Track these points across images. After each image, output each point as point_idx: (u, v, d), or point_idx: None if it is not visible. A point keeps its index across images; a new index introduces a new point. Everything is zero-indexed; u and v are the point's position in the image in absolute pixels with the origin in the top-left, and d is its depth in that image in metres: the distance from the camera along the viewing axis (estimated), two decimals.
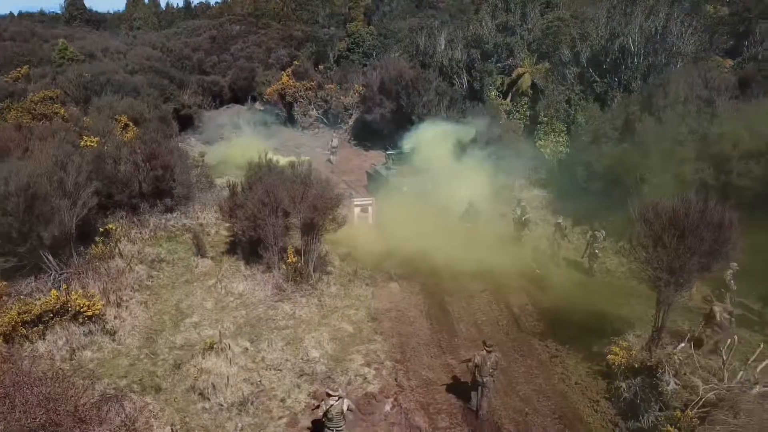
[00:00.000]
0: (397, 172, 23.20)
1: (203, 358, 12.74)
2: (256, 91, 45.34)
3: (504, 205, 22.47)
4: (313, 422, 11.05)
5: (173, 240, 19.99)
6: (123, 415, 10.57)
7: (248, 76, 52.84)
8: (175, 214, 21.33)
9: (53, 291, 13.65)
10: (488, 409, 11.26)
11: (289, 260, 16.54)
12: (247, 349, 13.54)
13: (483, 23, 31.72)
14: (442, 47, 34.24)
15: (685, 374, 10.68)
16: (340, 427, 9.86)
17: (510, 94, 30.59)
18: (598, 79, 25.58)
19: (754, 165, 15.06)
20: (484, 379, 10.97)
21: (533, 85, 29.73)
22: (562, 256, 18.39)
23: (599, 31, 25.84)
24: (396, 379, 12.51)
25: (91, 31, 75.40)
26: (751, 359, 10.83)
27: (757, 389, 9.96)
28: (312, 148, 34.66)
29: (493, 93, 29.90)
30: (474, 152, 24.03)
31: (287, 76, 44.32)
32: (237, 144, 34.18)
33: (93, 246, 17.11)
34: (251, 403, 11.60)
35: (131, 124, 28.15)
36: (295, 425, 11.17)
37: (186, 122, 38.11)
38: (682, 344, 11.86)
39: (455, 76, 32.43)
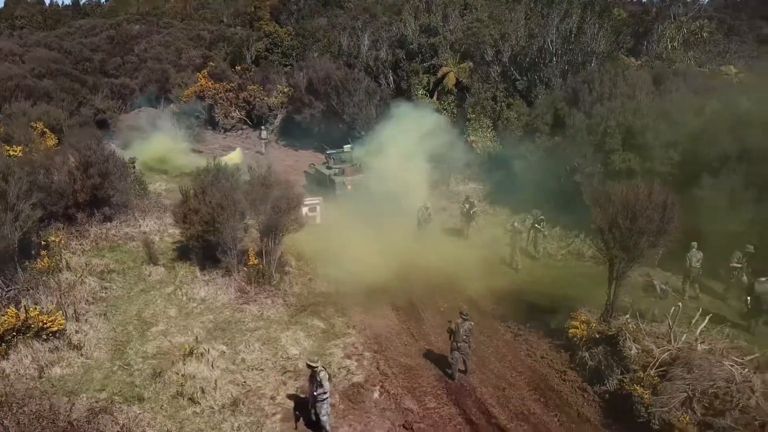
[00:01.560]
0: (340, 172, 23.63)
1: (184, 364, 12.70)
2: (173, 94, 43.88)
3: (443, 200, 23.61)
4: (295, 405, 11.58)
5: (117, 249, 19.35)
6: (118, 427, 10.43)
7: (160, 78, 50.93)
8: (114, 223, 20.64)
9: (11, 309, 13.02)
10: (469, 368, 12.73)
11: (251, 262, 16.63)
12: (224, 352, 13.57)
13: (407, 24, 32.74)
14: (367, 47, 34.93)
15: (641, 340, 11.99)
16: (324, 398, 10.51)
17: (436, 93, 31.80)
18: (519, 77, 27.25)
19: (673, 152, 16.93)
20: (459, 344, 12.33)
21: (458, 83, 31.11)
22: (542, 246, 19.17)
23: (518, 32, 27.50)
24: (378, 368, 13.06)
25: None
26: (693, 322, 12.33)
27: (702, 347, 11.41)
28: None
29: (421, 92, 30.98)
30: (411, 149, 24.93)
31: (204, 77, 43.38)
32: (158, 148, 33.20)
33: (38, 260, 16.34)
34: (242, 403, 11.75)
35: (48, 131, 26.75)
36: (289, 420, 11.46)
37: (101, 127, 36.41)
38: (626, 316, 13.31)
39: (381, 76, 33.25)
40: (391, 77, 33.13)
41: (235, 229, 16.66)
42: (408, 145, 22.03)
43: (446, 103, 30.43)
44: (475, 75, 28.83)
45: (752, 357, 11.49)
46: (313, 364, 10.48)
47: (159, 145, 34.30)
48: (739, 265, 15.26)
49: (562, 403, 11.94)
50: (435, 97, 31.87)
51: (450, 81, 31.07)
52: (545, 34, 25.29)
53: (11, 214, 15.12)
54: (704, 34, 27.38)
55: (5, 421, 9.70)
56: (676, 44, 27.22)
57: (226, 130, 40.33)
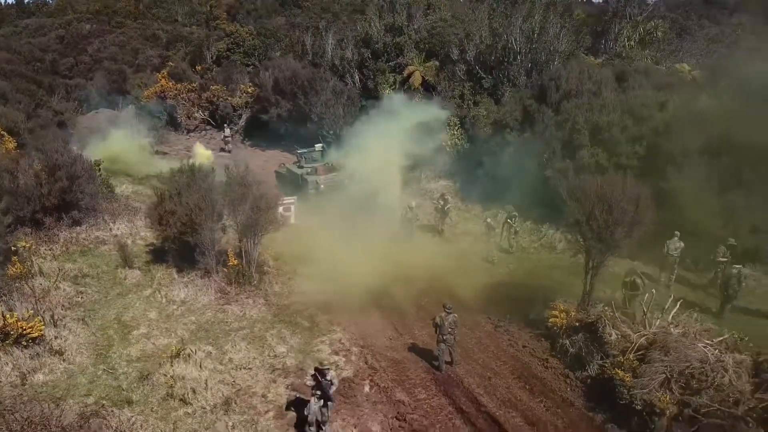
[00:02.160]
0: (312, 171, 23.68)
1: (172, 366, 12.62)
2: (133, 94, 42.93)
3: (417, 197, 23.95)
4: (294, 403, 11.62)
5: (88, 254, 18.98)
6: (112, 430, 10.33)
7: (117, 78, 49.74)
8: (84, 227, 20.20)
9: None
10: (455, 359, 13.08)
11: (231, 263, 16.59)
12: (211, 352, 13.51)
13: (372, 23, 32.95)
14: (332, 47, 35.00)
15: (619, 326, 12.55)
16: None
17: (402, 91, 32.10)
18: (484, 76, 27.82)
19: (638, 147, 17.69)
20: (445, 337, 12.69)
21: (424, 82, 31.51)
22: (516, 241, 19.58)
23: (482, 31, 28.05)
24: (366, 362, 13.27)
25: None
26: (665, 308, 12.95)
27: (677, 330, 12.03)
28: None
29: (388, 91, 31.25)
30: (382, 147, 25.20)
31: (164, 77, 42.62)
32: (119, 150, 32.45)
33: (8, 266, 15.90)
34: (235, 402, 11.78)
35: (6, 134, 25.94)
36: (282, 417, 11.55)
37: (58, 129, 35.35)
38: (602, 304, 13.90)
39: (348, 75, 33.38)
40: (357, 76, 33.28)
41: (213, 230, 16.60)
42: (393, 142, 22.20)
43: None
44: (442, 74, 29.25)
45: (721, 339, 12.16)
46: (325, 369, 10.42)
47: (120, 146, 33.57)
48: (725, 259, 15.88)
49: (546, 390, 12.40)
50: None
51: (416, 80, 31.46)
52: (509, 33, 25.85)
53: None
54: (659, 34, 28.56)
55: None
56: (632, 43, 28.29)
57: (189, 131, 39.73)
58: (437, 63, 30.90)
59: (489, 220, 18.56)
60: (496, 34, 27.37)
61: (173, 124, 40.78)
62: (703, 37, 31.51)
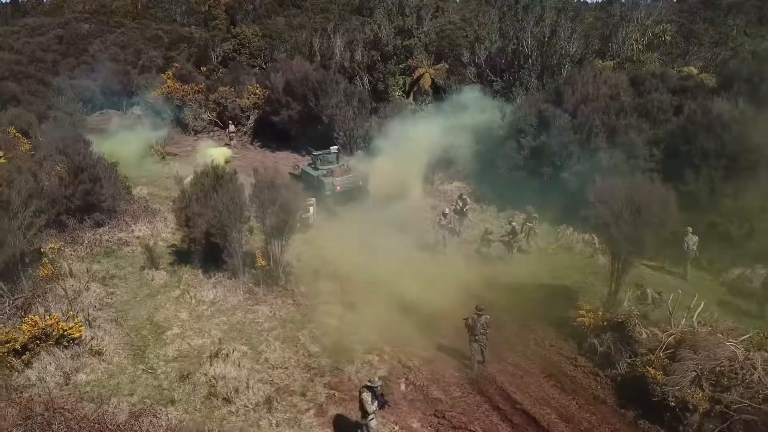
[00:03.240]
0: (328, 172, 23.93)
1: (211, 366, 12.91)
2: (138, 95, 43.05)
3: (431, 199, 24.33)
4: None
5: (112, 255, 19.21)
6: (162, 428, 10.61)
7: (122, 79, 49.88)
8: (106, 228, 20.45)
9: (33, 316, 12.94)
10: (486, 358, 13.31)
11: (259, 264, 16.87)
12: (246, 352, 13.81)
13: (381, 26, 33.23)
14: (341, 49, 35.27)
15: (647, 325, 12.92)
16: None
17: (412, 93, 32.45)
18: (495, 79, 28.18)
19: (656, 150, 18.09)
20: (477, 337, 13.04)
21: (433, 84, 31.85)
22: (535, 242, 19.85)
23: (492, 35, 28.41)
24: (400, 361, 13.57)
25: None
26: (692, 305, 13.31)
27: (705, 329, 12.41)
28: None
29: (398, 93, 31.57)
30: (393, 149, 25.57)
31: (170, 79, 42.72)
32: (129, 151, 32.62)
33: (40, 267, 16.14)
34: (276, 401, 12.06)
35: (20, 136, 26.07)
36: (324, 415, 11.85)
37: None
38: (627, 303, 14.30)
39: (357, 77, 33.67)
40: (367, 78, 33.57)
41: (241, 231, 16.88)
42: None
43: (423, 103, 31.11)
44: (452, 76, 29.58)
45: (745, 337, 12.55)
46: (374, 384, 10.35)
47: (130, 148, 33.78)
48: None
49: (577, 387, 12.75)
50: (411, 98, 32.54)
51: (426, 82, 31.79)
52: (521, 37, 26.21)
53: (16, 222, 14.93)
54: (667, 37, 29.02)
55: (54, 426, 9.78)
56: (640, 46, 28.73)
57: (196, 132, 39.84)
58: (447, 65, 31.22)
59: (514, 223, 18.79)
60: (506, 37, 27.73)
61: (180, 125, 40.89)
62: (708, 40, 31.96)
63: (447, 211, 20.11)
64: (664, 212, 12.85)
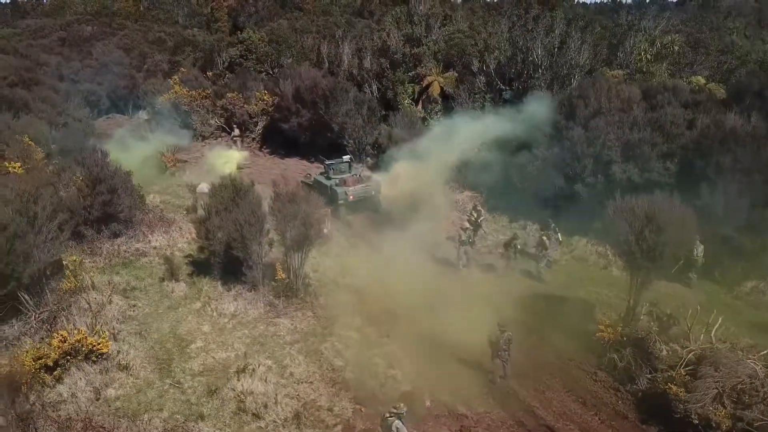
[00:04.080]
0: (341, 182, 24.14)
1: (238, 380, 13.10)
2: (146, 100, 43.19)
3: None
4: None
5: (130, 266, 19.34)
6: None
7: (128, 84, 50.12)
8: (123, 239, 20.53)
9: (62, 332, 13.12)
10: (508, 374, 13.57)
11: (279, 277, 17.06)
12: (271, 366, 13.99)
13: (391, 34, 33.45)
14: (350, 56, 35.48)
15: (667, 341, 13.15)
16: None
17: (421, 101, 32.66)
18: (505, 88, 28.41)
19: (670, 164, 18.33)
20: (500, 353, 13.36)
21: (442, 92, 32.07)
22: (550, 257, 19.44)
23: (502, 45, 28.63)
24: (424, 376, 13.76)
25: None
26: (710, 321, 13.54)
27: (725, 346, 12.64)
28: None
29: (407, 101, 31.78)
30: (404, 157, 25.83)
31: (177, 84, 42.89)
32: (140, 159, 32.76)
33: (63, 280, 16.31)
34: (303, 416, 12.26)
35: (33, 144, 26.23)
36: (352, 430, 12.05)
37: None
38: (645, 318, 14.53)
39: (366, 85, 33.89)
40: (375, 86, 33.79)
41: (262, 244, 17.06)
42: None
43: (432, 111, 31.33)
44: (462, 85, 29.79)
45: (764, 353, 12.80)
46: (400, 411, 10.37)
47: (140, 155, 33.94)
48: None
49: (598, 403, 12.97)
50: (419, 106, 32.75)
51: (435, 90, 32.00)
52: (531, 47, 26.44)
53: (41, 236, 15.09)
54: (675, 48, 29.27)
55: None
56: (649, 56, 28.97)
57: (203, 138, 40.01)
58: (456, 74, 31.44)
59: (544, 238, 18.77)
60: (516, 47, 27.95)
61: (189, 130, 41.00)
62: (715, 49, 32.22)
63: (467, 225, 19.87)
64: (685, 231, 13.04)
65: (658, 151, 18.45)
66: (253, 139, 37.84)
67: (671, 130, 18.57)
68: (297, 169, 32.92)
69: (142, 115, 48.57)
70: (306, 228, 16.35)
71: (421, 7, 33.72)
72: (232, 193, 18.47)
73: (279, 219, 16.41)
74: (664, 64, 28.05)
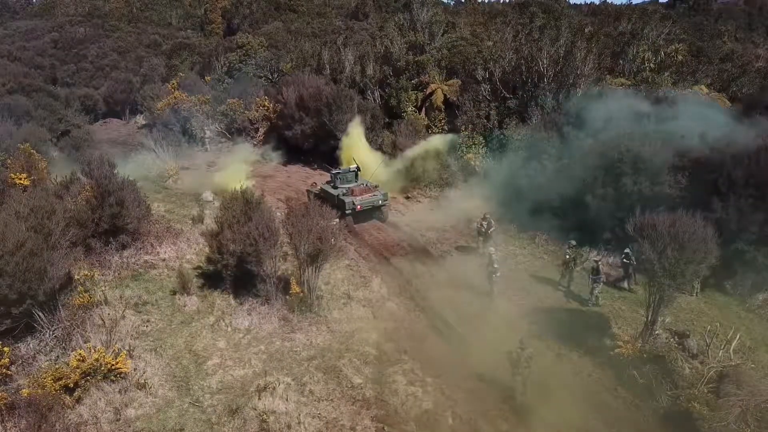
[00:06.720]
0: (348, 191, 24.05)
1: (259, 399, 13.01)
2: (144, 105, 42.84)
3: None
4: None
5: (140, 279, 19.17)
6: None
7: (126, 88, 49.78)
8: (131, 251, 20.36)
9: (80, 351, 12.98)
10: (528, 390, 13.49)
11: (294, 291, 16.97)
12: (290, 384, 13.90)
13: (394, 42, 33.41)
14: (352, 63, 35.39)
15: (687, 359, 13.19)
16: None
17: (423, 109, 32.65)
18: (510, 96, 28.45)
19: (681, 177, 18.40)
20: (521, 370, 13.35)
21: (445, 100, 32.06)
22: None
23: (506, 53, 28.67)
24: (444, 393, 13.73)
25: None
26: (729, 337, 13.63)
27: (747, 365, 12.71)
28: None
29: (410, 108, 31.75)
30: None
31: (176, 89, 42.61)
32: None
33: (75, 295, 16.12)
34: None
35: (36, 153, 25.99)
36: None
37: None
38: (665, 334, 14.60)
39: (368, 92, 33.82)
40: (378, 93, 33.73)
41: (276, 258, 16.97)
42: None
43: (435, 119, 31.32)
44: (466, 93, 29.80)
45: None
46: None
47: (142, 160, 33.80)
48: None
49: (620, 420, 12.96)
50: (423, 113, 32.73)
51: (438, 98, 31.99)
52: (537, 56, 26.49)
53: (55, 253, 14.92)
54: (679, 57, 29.45)
55: None
56: (652, 65, 29.13)
57: (203, 144, 39.78)
58: (459, 81, 31.45)
59: (569, 254, 18.51)
60: (521, 56, 28.00)
61: (185, 135, 40.74)
62: (715, 57, 32.46)
63: (493, 250, 18.88)
64: (706, 248, 13.08)
65: (670, 163, 18.47)
66: (254, 145, 37.62)
67: (683, 142, 18.64)
68: (299, 176, 32.81)
69: (140, 119, 48.34)
70: (321, 243, 16.27)
71: (423, 15, 33.72)
72: (243, 205, 18.36)
73: (294, 234, 16.30)
74: (667, 73, 28.24)
